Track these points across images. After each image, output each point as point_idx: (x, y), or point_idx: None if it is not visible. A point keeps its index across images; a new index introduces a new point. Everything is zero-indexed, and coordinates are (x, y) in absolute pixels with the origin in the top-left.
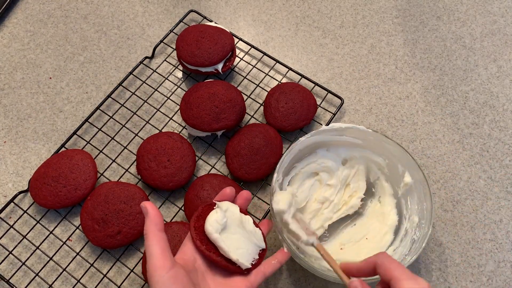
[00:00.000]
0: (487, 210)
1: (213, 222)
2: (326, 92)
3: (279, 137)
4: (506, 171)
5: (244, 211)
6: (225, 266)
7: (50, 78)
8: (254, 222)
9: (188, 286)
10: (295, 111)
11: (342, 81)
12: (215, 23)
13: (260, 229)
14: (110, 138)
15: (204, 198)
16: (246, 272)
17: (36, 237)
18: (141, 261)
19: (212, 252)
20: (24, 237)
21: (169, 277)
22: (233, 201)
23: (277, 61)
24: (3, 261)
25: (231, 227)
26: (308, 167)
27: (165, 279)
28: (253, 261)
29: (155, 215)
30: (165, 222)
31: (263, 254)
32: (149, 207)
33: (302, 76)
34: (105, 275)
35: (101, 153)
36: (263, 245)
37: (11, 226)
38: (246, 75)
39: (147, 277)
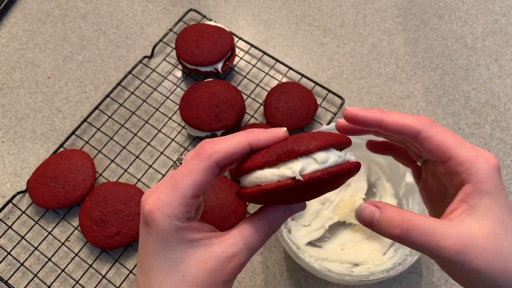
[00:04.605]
0: None
1: None
2: (327, 91)
3: None
4: (507, 171)
5: None
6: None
7: (49, 77)
8: None
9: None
10: (295, 111)
11: (343, 81)
12: (215, 22)
13: None
14: (109, 138)
15: (204, 199)
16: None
17: (35, 238)
18: None
19: None
20: (23, 237)
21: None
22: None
23: (277, 61)
24: (1, 261)
25: None
26: None
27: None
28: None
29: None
30: None
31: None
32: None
33: (303, 75)
34: (104, 276)
35: (99, 153)
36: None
37: (10, 227)
38: (246, 75)
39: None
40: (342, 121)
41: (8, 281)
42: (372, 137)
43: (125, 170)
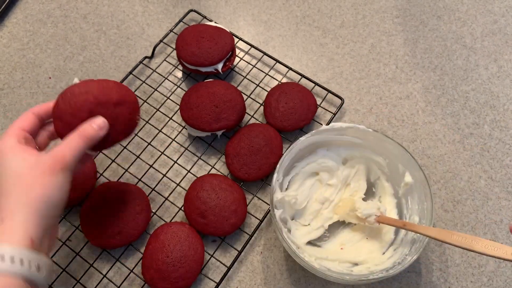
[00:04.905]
0: (488, 210)
1: None
2: (326, 92)
3: (279, 137)
4: (506, 171)
5: None
6: None
7: (50, 78)
8: None
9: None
10: (295, 111)
11: (343, 81)
12: (215, 22)
13: None
14: None
15: (204, 199)
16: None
17: None
18: (141, 261)
19: None
20: None
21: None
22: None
23: (277, 61)
24: None
25: None
26: (309, 167)
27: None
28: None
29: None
30: (165, 222)
31: None
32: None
33: (302, 76)
34: (104, 276)
35: (100, 153)
36: None
37: None
38: (246, 75)
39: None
40: None
41: None
42: None
43: (126, 170)
